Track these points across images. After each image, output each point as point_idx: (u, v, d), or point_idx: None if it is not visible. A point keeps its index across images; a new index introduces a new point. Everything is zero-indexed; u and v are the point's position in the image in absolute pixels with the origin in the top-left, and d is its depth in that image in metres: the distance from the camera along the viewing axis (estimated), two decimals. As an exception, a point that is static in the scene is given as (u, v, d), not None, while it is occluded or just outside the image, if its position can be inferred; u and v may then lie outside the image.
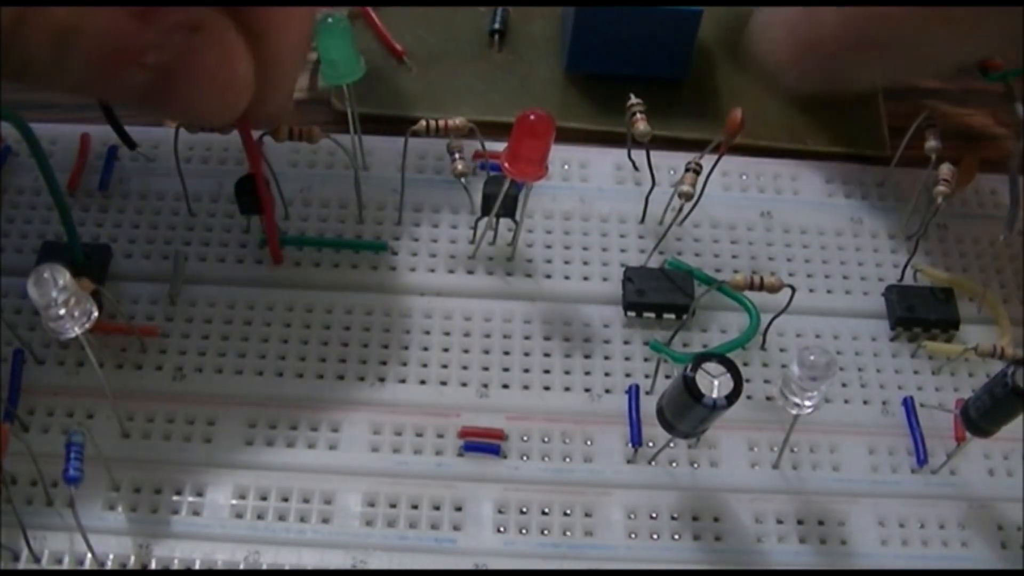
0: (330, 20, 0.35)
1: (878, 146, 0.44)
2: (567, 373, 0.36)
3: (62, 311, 0.30)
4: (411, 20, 0.45)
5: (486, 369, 0.36)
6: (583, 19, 0.42)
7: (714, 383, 0.30)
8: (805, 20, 0.38)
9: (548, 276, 0.38)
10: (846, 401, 0.37)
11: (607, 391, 0.36)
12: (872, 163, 0.43)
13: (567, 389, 0.36)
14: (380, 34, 0.44)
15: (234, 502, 0.34)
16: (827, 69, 0.39)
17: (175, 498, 0.33)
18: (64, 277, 0.29)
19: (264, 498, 0.34)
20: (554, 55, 0.45)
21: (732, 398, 0.30)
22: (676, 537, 0.34)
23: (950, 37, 0.37)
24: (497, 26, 0.45)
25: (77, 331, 0.30)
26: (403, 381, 0.36)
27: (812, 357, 0.30)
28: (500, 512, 0.34)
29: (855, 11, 0.37)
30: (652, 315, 0.38)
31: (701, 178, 0.36)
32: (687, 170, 0.36)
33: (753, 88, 0.44)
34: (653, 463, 0.35)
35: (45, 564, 0.32)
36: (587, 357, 0.37)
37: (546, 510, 0.34)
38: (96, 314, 0.31)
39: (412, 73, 0.44)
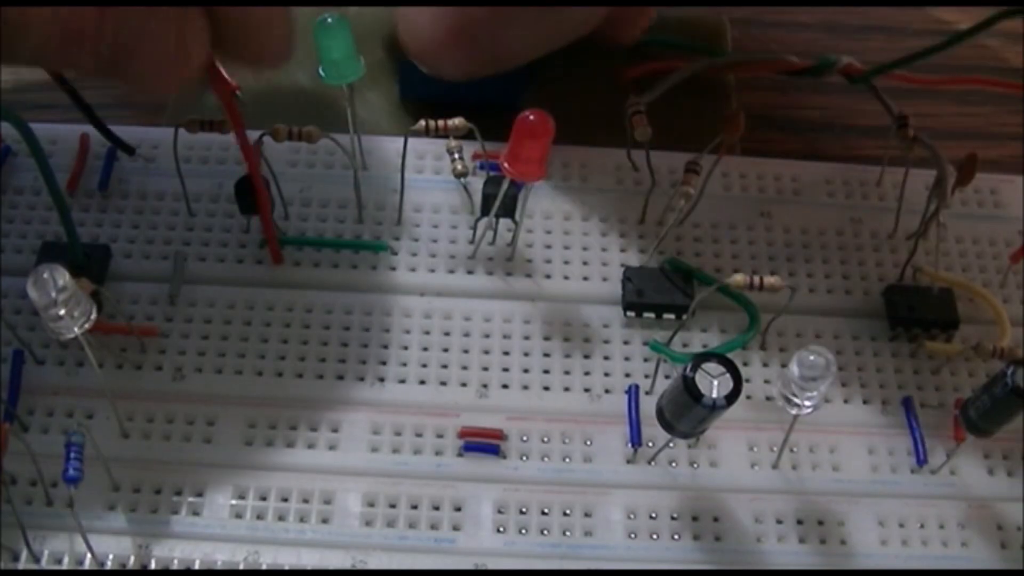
0: (329, 20, 0.35)
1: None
2: (567, 373, 0.36)
3: (62, 311, 0.30)
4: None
5: (486, 369, 0.36)
6: None
7: (713, 383, 0.30)
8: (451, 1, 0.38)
9: (548, 276, 0.38)
10: (846, 401, 0.37)
11: (607, 391, 0.36)
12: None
13: (567, 389, 0.36)
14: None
15: (233, 502, 0.34)
16: (475, 50, 0.39)
17: (175, 498, 0.33)
18: (64, 277, 0.29)
19: (264, 498, 0.34)
20: (388, 81, 0.45)
21: (731, 398, 0.30)
22: (676, 537, 0.34)
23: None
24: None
25: (77, 331, 0.30)
26: (403, 381, 0.36)
27: (811, 357, 0.30)
28: (500, 512, 0.34)
29: None
30: (652, 315, 0.38)
31: (701, 178, 0.36)
32: (687, 171, 0.36)
33: (589, 110, 0.42)
34: (653, 463, 0.35)
35: (45, 564, 0.32)
36: (587, 357, 0.37)
37: (546, 510, 0.34)
38: (96, 314, 0.31)
39: (245, 106, 0.42)
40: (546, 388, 0.36)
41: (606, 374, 0.37)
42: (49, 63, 0.33)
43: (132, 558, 0.32)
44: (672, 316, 0.38)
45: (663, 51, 0.46)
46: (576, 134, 0.38)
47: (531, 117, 0.32)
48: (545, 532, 0.34)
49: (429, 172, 0.41)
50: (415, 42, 0.40)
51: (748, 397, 0.36)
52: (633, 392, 0.36)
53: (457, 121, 0.36)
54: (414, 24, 0.40)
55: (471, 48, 0.39)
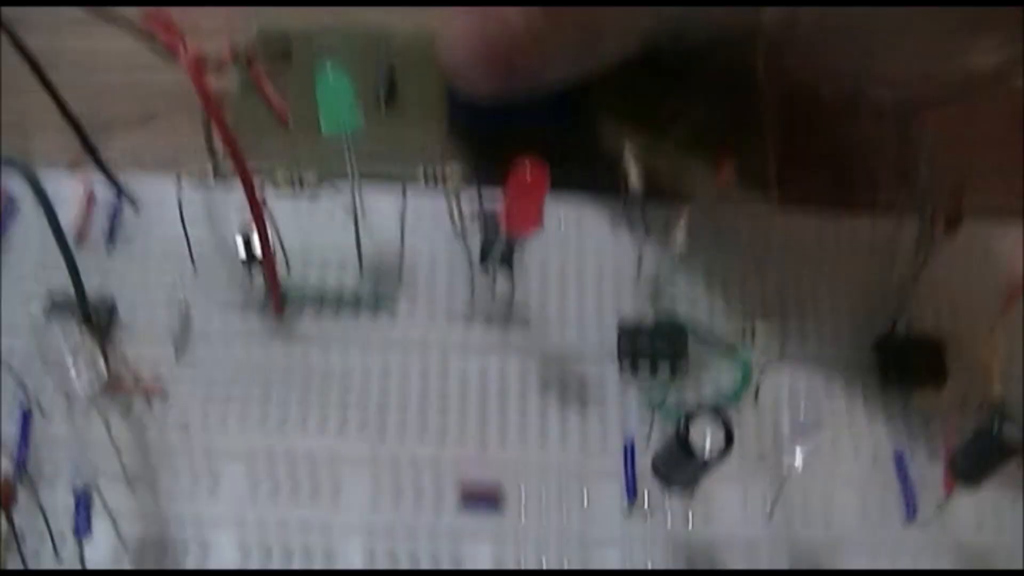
0: (328, 70, 0.36)
1: (765, 187, 0.43)
2: (564, 427, 0.37)
3: (71, 368, 0.31)
4: (300, 85, 0.46)
5: (483, 422, 0.37)
6: None
7: (706, 437, 0.31)
8: (490, 19, 0.39)
9: (544, 331, 0.39)
10: (837, 454, 0.37)
11: (603, 446, 0.37)
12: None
13: (563, 443, 0.37)
14: (266, 95, 0.45)
15: (238, 555, 0.34)
16: (514, 69, 0.39)
17: (180, 551, 0.34)
18: (73, 333, 0.30)
19: (268, 551, 0.34)
20: (439, 111, 0.45)
21: (724, 452, 0.31)
22: (671, 589, 0.34)
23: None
24: (382, 85, 0.46)
25: (85, 387, 0.31)
26: (403, 435, 0.37)
27: (801, 412, 0.31)
28: (498, 565, 0.35)
29: (539, 9, 0.37)
30: (647, 369, 0.38)
31: (694, 231, 0.37)
32: (680, 224, 0.37)
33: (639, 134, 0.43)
34: (648, 516, 0.36)
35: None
36: (583, 411, 0.37)
37: (543, 563, 0.35)
38: (104, 370, 0.31)
39: (294, 132, 0.44)
40: (543, 442, 0.37)
41: (602, 428, 0.37)
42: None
43: (139, 611, 0.33)
44: (667, 370, 0.38)
45: None
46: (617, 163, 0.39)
47: (526, 170, 0.33)
48: (543, 584, 0.34)
49: (428, 226, 0.41)
50: (451, 58, 0.41)
51: (741, 450, 0.37)
52: (629, 446, 0.37)
53: (455, 167, 0.37)
54: (451, 40, 0.41)
55: (507, 68, 0.39)
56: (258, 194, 0.36)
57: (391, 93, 0.46)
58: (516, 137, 0.39)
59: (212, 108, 0.33)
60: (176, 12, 0.48)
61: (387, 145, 0.44)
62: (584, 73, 0.40)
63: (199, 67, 0.33)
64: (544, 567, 0.35)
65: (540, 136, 0.41)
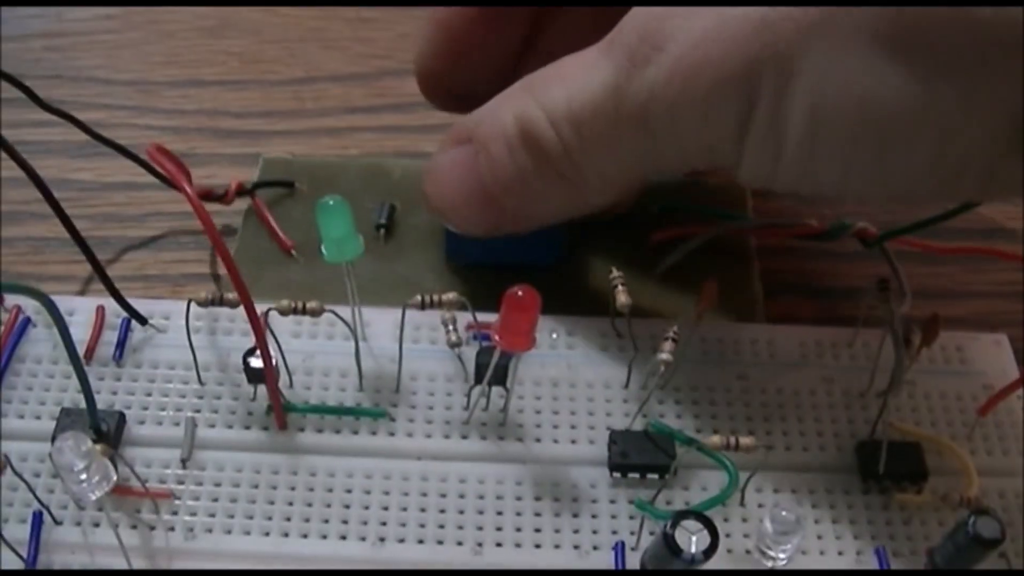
0: (330, 202, 0.37)
1: (750, 306, 0.46)
2: (557, 531, 0.38)
3: (83, 476, 0.32)
4: (302, 215, 0.48)
5: (480, 528, 0.38)
6: None
7: (692, 539, 0.32)
8: (474, 160, 0.40)
9: (538, 440, 0.40)
10: (821, 552, 0.38)
11: (595, 548, 0.38)
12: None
13: (557, 546, 0.38)
14: (270, 228, 0.47)
15: (242, 657, 0.35)
16: (503, 210, 0.41)
17: (187, 654, 0.35)
18: (86, 444, 0.31)
19: (271, 654, 0.35)
20: (436, 246, 0.47)
21: (709, 553, 0.32)
22: None
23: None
24: (383, 220, 0.48)
25: (97, 495, 0.32)
26: (402, 540, 0.38)
27: (783, 513, 0.32)
28: (495, 664, 0.35)
29: (520, 150, 0.39)
30: (636, 475, 0.39)
31: (680, 345, 0.39)
32: (667, 339, 0.39)
33: (624, 270, 0.44)
34: (638, 615, 0.36)
35: None
36: (575, 516, 0.38)
37: (538, 661, 0.36)
38: (114, 478, 0.33)
39: (300, 265, 0.47)
40: (537, 545, 0.38)
41: (594, 531, 0.38)
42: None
43: None
44: (656, 476, 0.39)
45: (687, 216, 0.49)
46: (606, 293, 0.41)
47: (519, 292, 0.34)
48: None
49: (425, 342, 0.43)
50: (438, 199, 0.42)
51: (729, 551, 0.38)
52: (619, 548, 0.37)
53: (451, 296, 0.39)
54: (438, 180, 0.42)
55: (496, 208, 0.41)
56: (261, 318, 0.37)
57: (390, 224, 0.48)
58: (510, 268, 0.42)
59: (216, 240, 0.35)
60: (184, 140, 0.51)
61: (386, 276, 0.46)
62: (573, 215, 0.42)
63: (200, 204, 0.35)
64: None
65: (532, 267, 0.45)
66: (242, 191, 0.49)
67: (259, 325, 0.37)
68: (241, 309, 0.38)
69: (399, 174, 0.51)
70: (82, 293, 0.45)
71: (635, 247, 0.48)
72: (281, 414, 0.40)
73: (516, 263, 0.45)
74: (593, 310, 0.43)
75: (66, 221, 0.40)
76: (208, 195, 0.48)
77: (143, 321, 0.42)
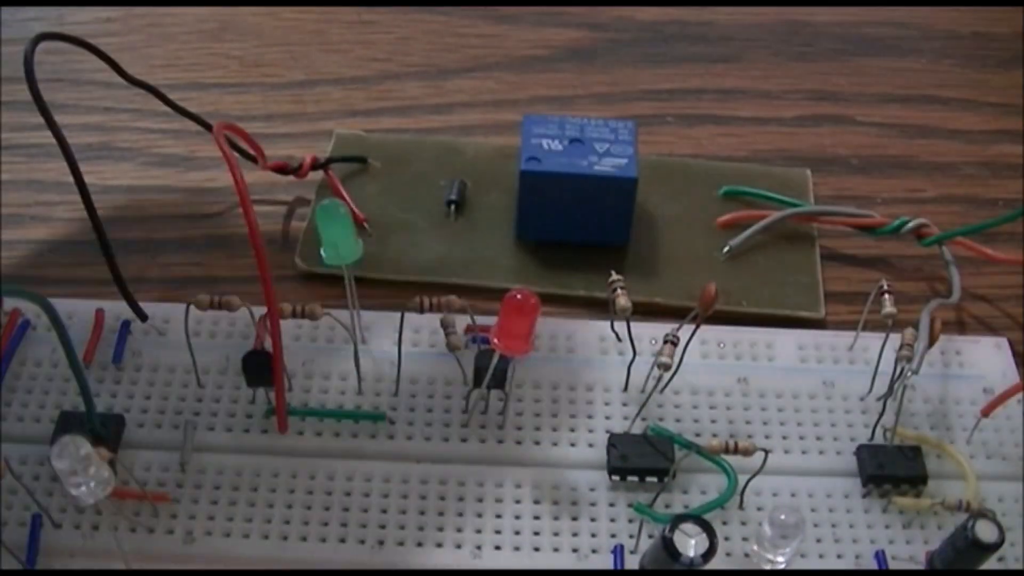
0: (328, 205, 0.37)
1: (813, 308, 0.47)
2: (556, 534, 0.38)
3: (82, 479, 0.32)
4: (375, 191, 0.49)
5: (479, 531, 0.38)
6: (528, 190, 0.46)
7: (691, 542, 0.32)
8: None
9: (537, 443, 0.40)
10: (821, 556, 0.38)
11: (593, 551, 0.38)
12: (807, 325, 0.46)
13: (556, 550, 0.38)
14: (339, 196, 0.48)
15: (241, 661, 0.35)
16: None
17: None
18: (85, 447, 0.31)
19: (270, 656, 0.35)
20: (506, 224, 0.48)
21: (708, 556, 0.32)
22: None
23: None
24: (454, 197, 0.49)
25: (95, 498, 0.32)
26: (401, 544, 0.37)
27: (782, 517, 0.32)
28: (493, 668, 0.35)
29: None
30: (635, 478, 0.39)
31: (679, 348, 0.39)
32: (666, 341, 0.38)
33: (688, 252, 0.48)
34: (637, 618, 0.36)
35: None
36: (574, 519, 0.38)
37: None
38: (113, 481, 0.32)
39: (372, 239, 0.47)
40: (536, 548, 0.38)
41: (592, 535, 0.38)
42: None
43: None
44: (654, 479, 0.39)
45: (752, 200, 0.51)
46: (674, 274, 0.45)
47: (518, 296, 0.35)
48: None
49: (424, 345, 0.43)
50: None
51: (728, 554, 0.38)
52: (618, 552, 0.37)
53: (451, 298, 0.39)
54: None
55: None
56: (263, 321, 0.37)
57: (461, 201, 0.49)
58: (579, 246, 0.45)
59: (247, 208, 0.35)
60: (184, 144, 0.51)
61: (457, 253, 0.47)
62: None
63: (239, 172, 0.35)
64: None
65: (601, 246, 0.47)
66: (316, 165, 0.49)
67: (276, 322, 0.37)
68: (239, 312, 0.38)
69: (472, 152, 0.52)
70: (82, 296, 0.45)
71: (701, 230, 0.49)
72: (284, 417, 0.40)
73: (585, 242, 0.47)
74: (659, 291, 0.45)
75: (94, 217, 0.40)
76: (283, 169, 0.49)
77: (144, 318, 0.42)
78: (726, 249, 0.48)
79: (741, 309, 0.46)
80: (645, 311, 0.43)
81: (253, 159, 0.46)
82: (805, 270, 0.48)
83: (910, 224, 0.49)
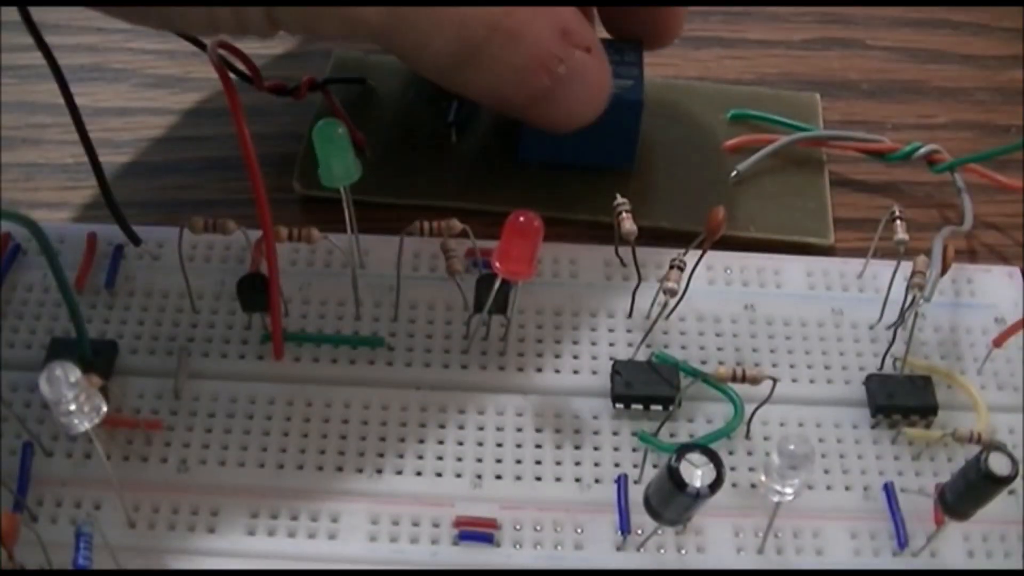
0: (324, 124, 0.36)
1: (822, 234, 0.46)
2: (558, 464, 0.37)
3: (72, 406, 0.31)
4: (375, 112, 0.48)
5: (479, 460, 0.37)
6: None
7: (697, 472, 0.31)
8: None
9: (539, 370, 0.40)
10: (828, 487, 0.38)
11: (596, 481, 0.37)
12: (816, 251, 0.45)
13: (558, 479, 0.37)
14: (338, 117, 0.46)
15: (237, 590, 0.35)
16: None
17: (179, 586, 0.34)
18: (75, 374, 0.30)
19: (266, 586, 0.35)
20: (509, 146, 0.47)
21: (715, 487, 0.31)
22: (664, 621, 0.35)
23: None
24: (454, 118, 0.47)
25: (86, 425, 0.31)
26: (400, 472, 0.37)
27: (791, 447, 0.31)
28: (494, 599, 0.35)
29: None
30: (640, 407, 0.39)
31: (685, 274, 0.38)
32: (671, 267, 0.37)
33: (694, 176, 0.47)
34: (641, 550, 0.36)
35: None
36: (577, 448, 0.38)
37: (538, 596, 0.35)
38: (104, 409, 0.32)
39: (371, 161, 0.46)
40: (538, 478, 0.37)
41: (596, 464, 0.38)
42: (508, 87, 0.40)
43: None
44: (659, 407, 0.39)
45: (760, 124, 0.50)
46: (680, 198, 0.44)
47: (521, 218, 0.34)
48: (538, 618, 0.35)
49: (424, 270, 0.42)
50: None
51: (733, 485, 0.37)
52: (622, 481, 0.37)
53: (451, 221, 0.38)
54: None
55: None
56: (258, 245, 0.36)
57: (461, 122, 0.48)
58: (582, 169, 0.45)
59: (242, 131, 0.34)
60: (179, 65, 0.50)
61: (457, 174, 0.46)
62: None
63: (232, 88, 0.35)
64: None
65: (604, 169, 0.46)
66: (314, 86, 0.48)
67: (272, 245, 0.36)
68: (235, 235, 0.38)
69: None
70: (74, 220, 0.44)
71: (707, 154, 0.48)
72: (280, 343, 0.39)
73: (589, 164, 0.46)
74: (664, 216, 0.44)
75: (84, 135, 0.39)
76: (281, 89, 0.47)
77: (137, 241, 0.41)
78: (734, 174, 0.47)
79: (748, 235, 0.45)
80: (650, 236, 0.42)
81: (249, 80, 0.45)
82: (814, 196, 0.47)
83: (921, 150, 0.48)
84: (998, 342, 0.40)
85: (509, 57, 0.38)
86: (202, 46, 0.46)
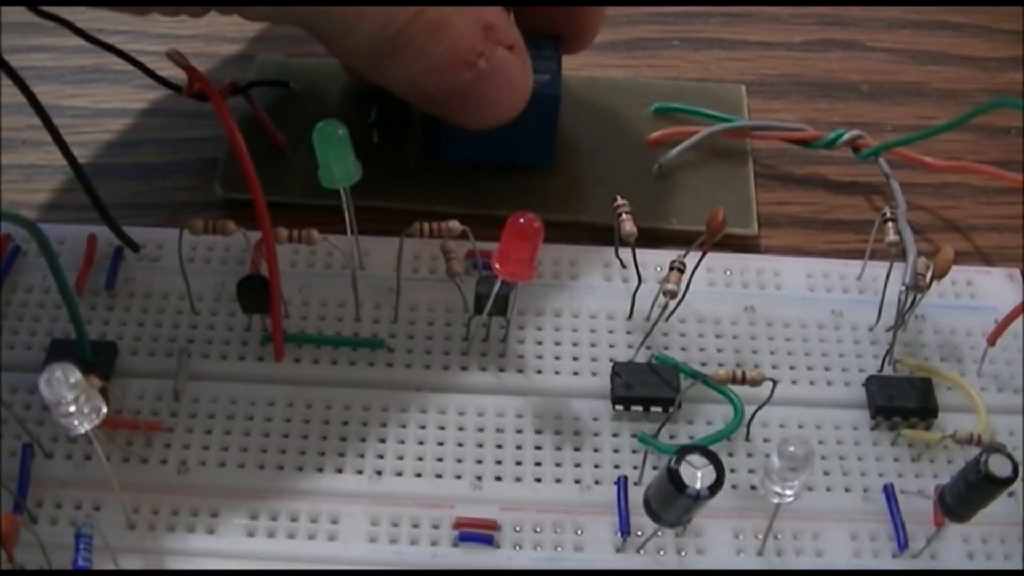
0: (325, 126, 0.36)
1: (746, 225, 0.46)
2: (558, 465, 0.37)
3: (72, 408, 0.31)
4: (297, 115, 0.47)
5: (479, 462, 0.37)
6: None
7: (697, 474, 0.31)
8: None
9: (539, 371, 0.40)
10: (828, 489, 0.38)
11: (596, 482, 0.37)
12: (740, 242, 0.45)
13: (558, 480, 0.37)
14: (263, 124, 0.47)
15: (236, 592, 0.35)
16: None
17: (179, 588, 0.34)
18: (75, 375, 0.30)
19: (265, 588, 0.35)
20: (428, 144, 0.47)
21: (715, 489, 0.31)
22: (664, 623, 0.35)
23: None
24: (374, 118, 0.47)
25: (86, 427, 0.31)
26: (400, 474, 0.37)
27: (791, 448, 0.31)
28: (494, 600, 0.35)
29: None
30: (640, 408, 0.39)
31: (685, 276, 0.38)
32: (671, 268, 0.38)
33: (615, 171, 0.47)
34: (641, 551, 0.36)
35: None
36: (577, 449, 0.38)
37: (538, 598, 0.35)
38: (104, 410, 0.32)
39: (292, 161, 0.46)
40: (538, 479, 0.37)
41: (595, 466, 0.37)
42: (429, 79, 0.40)
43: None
44: (659, 409, 0.38)
45: (683, 117, 0.49)
46: (601, 192, 0.43)
47: (521, 220, 0.34)
48: (538, 620, 0.35)
49: (424, 271, 0.42)
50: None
51: (733, 486, 0.37)
52: (622, 483, 0.37)
53: (451, 223, 0.38)
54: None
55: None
56: (258, 246, 0.36)
57: (383, 125, 0.47)
58: (501, 168, 0.45)
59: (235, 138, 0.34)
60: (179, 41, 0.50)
61: (378, 174, 0.45)
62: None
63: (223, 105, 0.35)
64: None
65: (524, 167, 0.46)
66: (236, 90, 0.48)
67: (272, 246, 0.36)
68: (235, 237, 0.38)
69: None
70: (74, 221, 0.44)
71: (630, 148, 0.48)
72: (281, 344, 0.39)
73: (508, 162, 0.46)
74: (583, 211, 0.44)
75: (62, 145, 0.39)
76: (200, 95, 0.46)
77: (136, 248, 0.41)
78: (656, 167, 0.47)
79: (671, 227, 0.45)
80: (570, 230, 0.43)
81: (177, 88, 0.46)
82: (738, 187, 0.47)
83: (845, 137, 0.48)
84: (991, 340, 0.40)
85: (431, 47, 0.39)
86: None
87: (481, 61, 0.39)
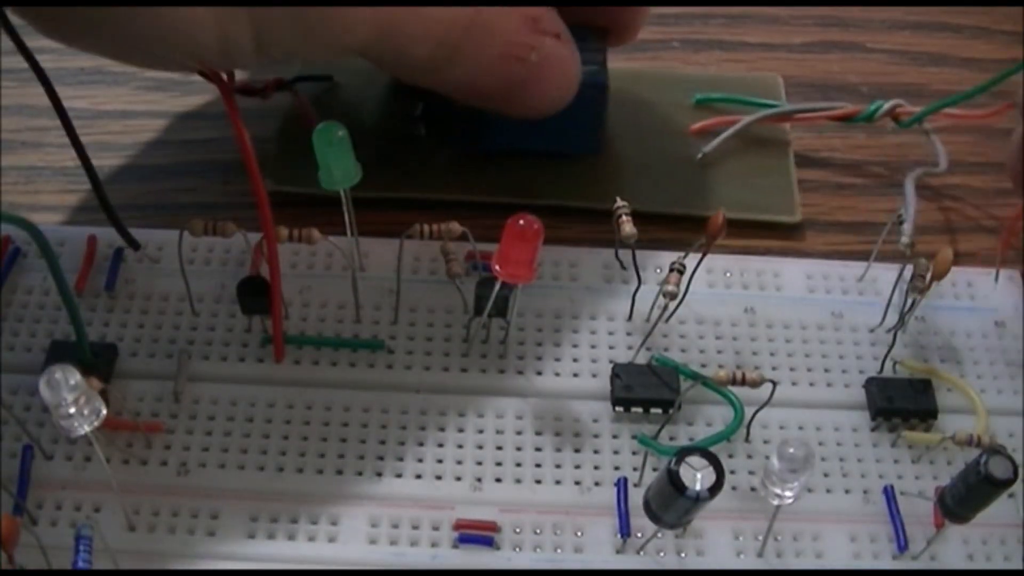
0: (324, 128, 0.36)
1: (789, 211, 0.46)
2: (558, 467, 0.37)
3: (72, 410, 0.31)
4: (343, 109, 0.48)
5: (479, 463, 0.37)
6: None
7: (697, 476, 0.31)
8: None
9: (539, 373, 0.39)
10: (828, 490, 0.38)
11: (596, 484, 0.37)
12: (783, 229, 0.46)
13: (558, 482, 0.37)
14: (308, 118, 0.46)
15: (236, 593, 0.35)
16: None
17: (179, 589, 0.34)
18: (75, 377, 0.30)
19: (265, 589, 0.35)
20: (472, 134, 0.47)
21: (714, 490, 0.31)
22: (664, 624, 0.35)
23: None
24: (421, 111, 0.47)
25: (86, 429, 0.31)
26: (399, 475, 0.37)
27: (791, 450, 0.31)
28: (494, 602, 0.35)
29: None
30: (640, 410, 0.39)
31: (685, 277, 0.38)
32: (671, 270, 0.38)
33: (660, 160, 0.47)
34: (641, 553, 0.36)
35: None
36: (577, 451, 0.38)
37: (538, 599, 0.35)
38: (104, 412, 0.32)
39: None
40: (538, 481, 0.37)
41: (595, 467, 0.37)
42: (483, 76, 0.41)
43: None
44: (659, 411, 0.39)
45: (724, 106, 0.50)
46: (649, 184, 0.45)
47: (520, 221, 0.34)
48: (537, 621, 0.35)
49: (424, 273, 0.42)
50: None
51: (733, 488, 0.37)
52: (621, 484, 0.37)
53: (451, 225, 0.38)
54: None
55: None
56: (258, 247, 0.36)
57: (427, 115, 0.48)
58: (544, 155, 0.45)
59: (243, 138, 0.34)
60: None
61: (426, 166, 0.46)
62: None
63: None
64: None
65: (568, 156, 0.46)
66: (281, 86, 0.48)
67: (273, 247, 0.36)
68: (235, 238, 0.38)
69: None
70: (74, 223, 0.44)
71: (673, 138, 0.48)
72: (281, 346, 0.39)
73: (556, 151, 0.46)
74: (630, 196, 0.42)
75: (77, 145, 0.40)
76: (247, 90, 0.47)
77: (136, 247, 0.41)
78: (699, 155, 0.47)
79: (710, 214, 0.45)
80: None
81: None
82: (780, 174, 0.47)
83: (884, 107, 0.48)
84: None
85: (485, 50, 0.39)
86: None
87: (532, 54, 0.40)
